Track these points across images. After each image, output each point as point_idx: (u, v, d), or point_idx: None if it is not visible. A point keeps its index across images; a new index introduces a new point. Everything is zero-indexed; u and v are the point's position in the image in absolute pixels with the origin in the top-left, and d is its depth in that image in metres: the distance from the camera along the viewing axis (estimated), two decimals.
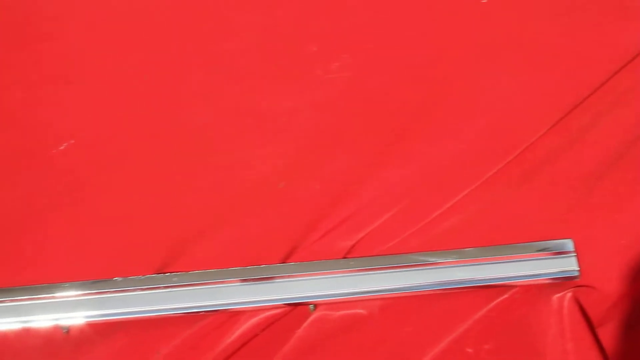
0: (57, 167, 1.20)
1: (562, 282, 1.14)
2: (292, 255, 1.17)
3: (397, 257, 1.15)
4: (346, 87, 1.22)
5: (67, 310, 1.14)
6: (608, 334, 1.10)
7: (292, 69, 1.24)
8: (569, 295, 1.12)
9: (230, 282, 1.15)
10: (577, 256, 1.13)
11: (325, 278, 1.15)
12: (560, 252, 1.14)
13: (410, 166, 1.19)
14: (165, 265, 1.16)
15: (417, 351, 1.12)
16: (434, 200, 1.17)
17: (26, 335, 1.14)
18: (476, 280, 1.14)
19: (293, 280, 1.15)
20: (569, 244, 1.14)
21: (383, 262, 1.15)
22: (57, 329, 1.14)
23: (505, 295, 1.13)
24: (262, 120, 1.22)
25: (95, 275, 1.15)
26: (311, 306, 1.15)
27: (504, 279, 1.14)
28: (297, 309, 1.15)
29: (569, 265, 1.13)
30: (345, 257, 1.16)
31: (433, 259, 1.15)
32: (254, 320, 1.14)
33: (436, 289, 1.14)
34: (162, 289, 1.15)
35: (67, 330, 1.14)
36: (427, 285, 1.14)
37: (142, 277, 1.15)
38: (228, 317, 1.14)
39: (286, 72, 1.24)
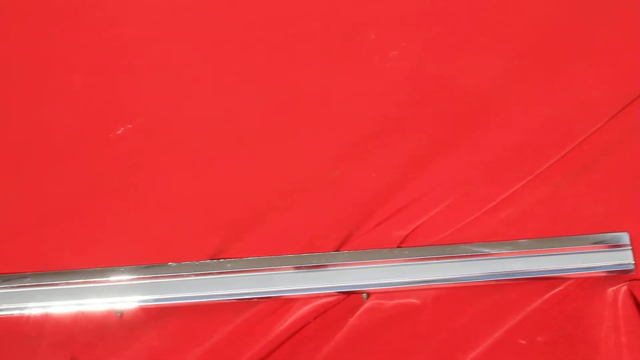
0: (114, 151, 1.19)
1: (617, 275, 1.13)
2: (346, 243, 1.16)
3: (452, 247, 1.15)
4: (404, 76, 1.21)
5: (121, 294, 1.14)
6: None
7: (350, 57, 1.22)
8: (624, 288, 1.12)
9: (284, 269, 1.14)
10: (633, 249, 1.12)
11: (379, 267, 1.14)
12: (616, 245, 1.13)
13: (467, 156, 1.18)
14: (219, 252, 1.16)
15: (470, 342, 1.12)
16: (490, 191, 1.17)
17: (80, 318, 1.14)
18: (530, 272, 1.13)
19: (346, 269, 1.14)
20: (624, 237, 1.13)
21: (437, 252, 1.15)
22: (111, 313, 1.14)
23: (560, 288, 1.13)
24: (320, 107, 1.21)
25: (150, 259, 1.15)
26: (364, 295, 1.14)
27: (559, 271, 1.13)
28: (350, 297, 1.15)
29: (625, 258, 1.13)
30: (399, 247, 1.16)
31: (487, 250, 1.14)
32: (307, 307, 1.14)
33: (490, 280, 1.14)
34: (215, 274, 1.14)
35: (121, 315, 1.14)
36: (481, 276, 1.14)
37: (196, 263, 1.15)
38: (281, 304, 1.14)
39: (344, 59, 1.22)
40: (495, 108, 1.20)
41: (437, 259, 1.14)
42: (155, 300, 1.14)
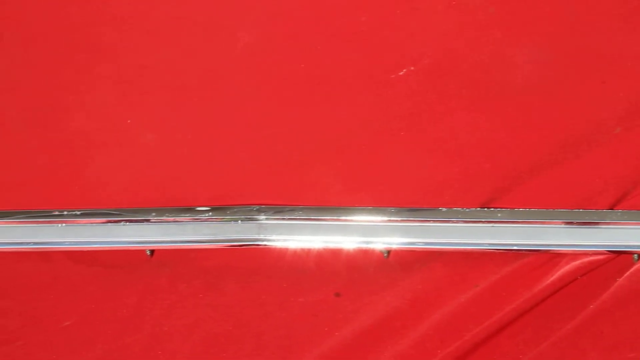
0: (394, 92, 1.17)
1: None
2: (621, 202, 1.13)
3: None
4: None
5: (389, 235, 1.13)
6: None
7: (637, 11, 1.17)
8: None
9: (555, 223, 1.12)
10: None
11: None
12: None
13: None
14: (491, 200, 1.14)
15: None
16: None
17: (346, 255, 1.14)
18: None
19: (619, 228, 1.12)
20: None
21: None
22: (377, 253, 1.14)
23: None
24: (605, 62, 1.17)
25: (421, 202, 1.14)
26: (635, 256, 1.12)
27: None
28: (619, 257, 1.12)
29: None
30: None
31: None
32: (575, 264, 1.12)
33: None
34: (485, 223, 1.13)
35: (388, 255, 1.13)
36: None
37: (467, 210, 1.13)
38: (549, 258, 1.13)
39: (631, 13, 1.17)
40: None
41: None
42: (423, 243, 1.13)
